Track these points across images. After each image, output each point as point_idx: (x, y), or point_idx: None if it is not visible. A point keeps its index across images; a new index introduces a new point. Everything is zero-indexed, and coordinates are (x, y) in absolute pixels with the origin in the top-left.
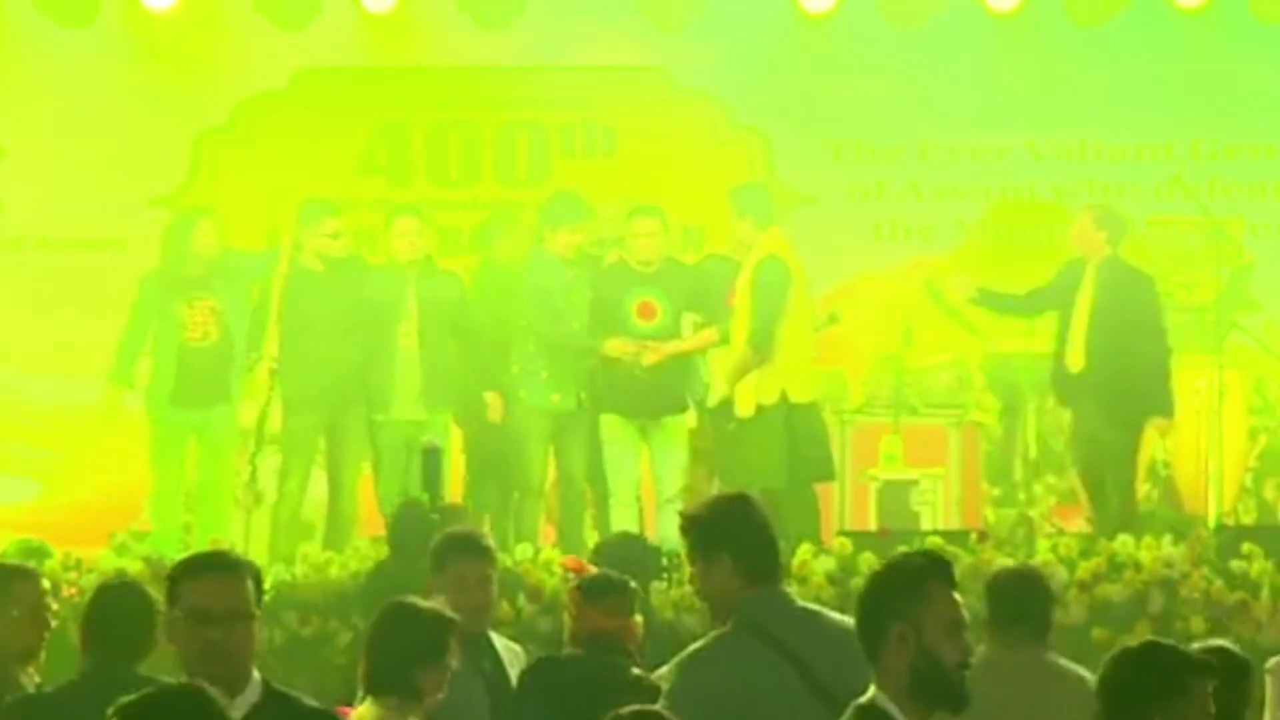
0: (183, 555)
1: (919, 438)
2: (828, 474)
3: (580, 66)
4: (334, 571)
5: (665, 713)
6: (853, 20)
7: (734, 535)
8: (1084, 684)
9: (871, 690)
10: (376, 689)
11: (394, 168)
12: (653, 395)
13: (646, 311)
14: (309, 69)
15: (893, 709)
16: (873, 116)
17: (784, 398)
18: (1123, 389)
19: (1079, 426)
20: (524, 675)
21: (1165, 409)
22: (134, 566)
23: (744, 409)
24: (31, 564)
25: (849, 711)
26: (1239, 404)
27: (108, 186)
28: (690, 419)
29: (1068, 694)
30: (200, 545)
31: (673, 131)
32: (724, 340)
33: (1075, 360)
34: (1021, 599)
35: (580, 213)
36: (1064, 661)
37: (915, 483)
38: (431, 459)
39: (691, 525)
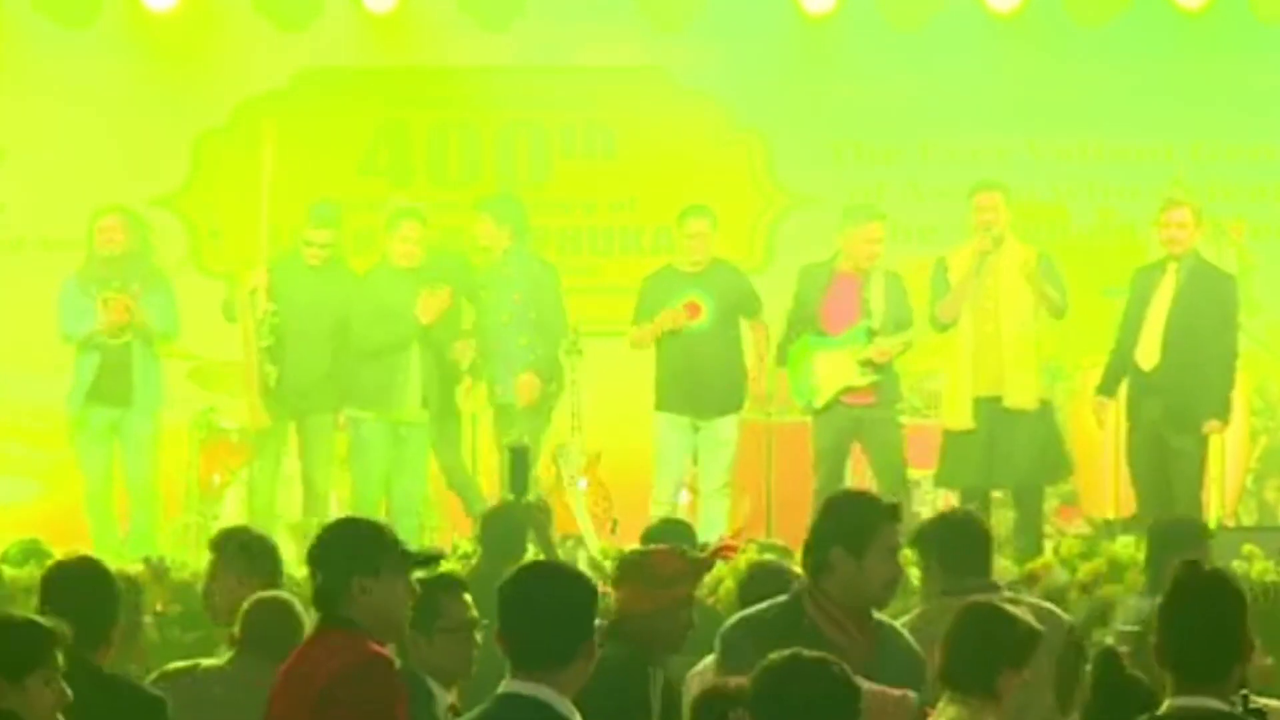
0: (120, 561)
1: (920, 437)
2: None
3: (580, 67)
4: None
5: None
6: (853, 21)
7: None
8: (1049, 620)
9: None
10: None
11: (394, 168)
12: (707, 394)
13: (693, 310)
14: (309, 69)
15: None
16: (873, 117)
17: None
18: (1192, 391)
19: (1143, 427)
20: None
21: (1221, 412)
22: (135, 568)
23: (1028, 402)
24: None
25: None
26: (1240, 405)
27: (108, 186)
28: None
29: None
30: (135, 551)
31: (672, 132)
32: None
33: (1148, 357)
34: (963, 549)
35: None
36: (1028, 599)
37: (915, 483)
38: (518, 458)
39: (842, 522)
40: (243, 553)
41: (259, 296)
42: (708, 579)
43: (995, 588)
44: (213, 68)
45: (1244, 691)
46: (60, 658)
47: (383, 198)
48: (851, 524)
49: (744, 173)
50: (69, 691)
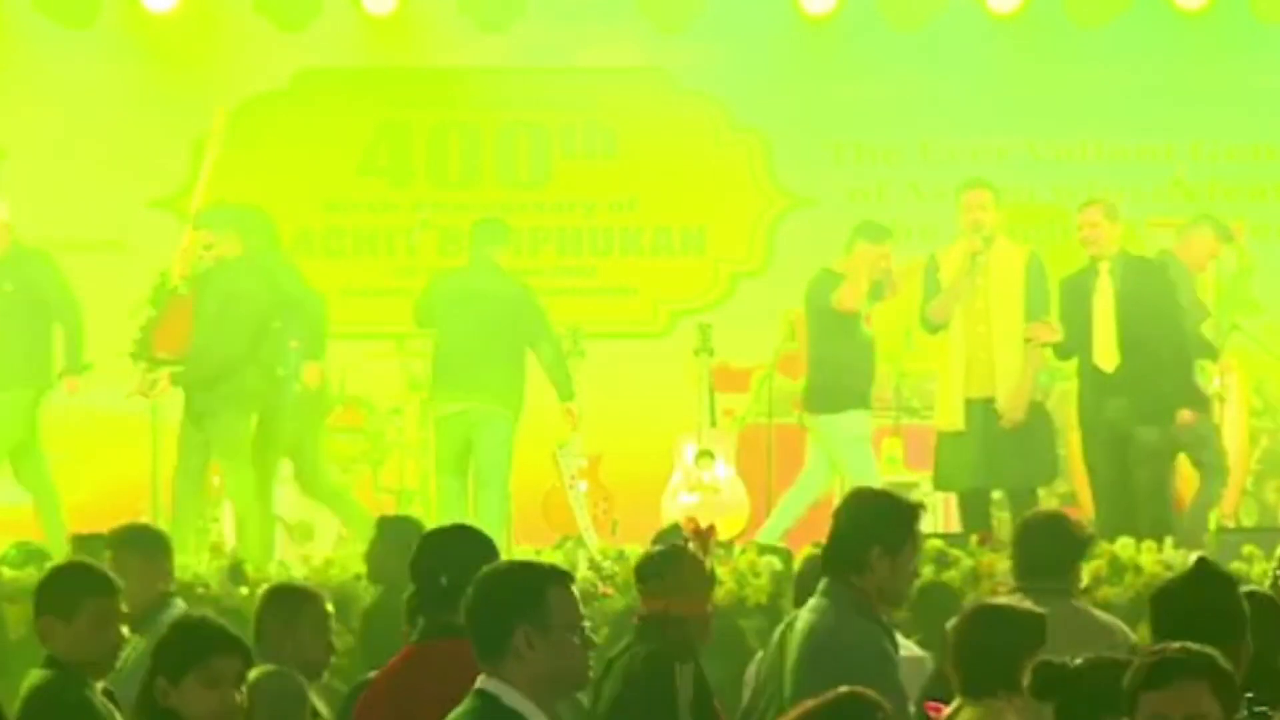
0: None
1: (919, 439)
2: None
3: (581, 68)
4: (334, 572)
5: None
6: (853, 22)
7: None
8: (1117, 634)
9: None
10: None
11: (394, 168)
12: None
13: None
14: (309, 69)
15: None
16: (873, 117)
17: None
18: (1158, 385)
19: (1103, 429)
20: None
21: (1193, 401)
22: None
23: (1022, 407)
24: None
25: None
26: (1240, 406)
27: (108, 188)
28: None
29: (1099, 646)
30: None
31: (673, 132)
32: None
33: (1108, 359)
34: (1047, 547)
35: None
36: (1096, 612)
37: (915, 485)
38: None
39: (882, 521)
40: (136, 549)
41: (175, 273)
42: None
43: (1065, 592)
44: (212, 68)
45: (1249, 694)
46: (238, 666)
47: (383, 198)
48: (889, 523)
49: (744, 173)
50: (239, 699)
